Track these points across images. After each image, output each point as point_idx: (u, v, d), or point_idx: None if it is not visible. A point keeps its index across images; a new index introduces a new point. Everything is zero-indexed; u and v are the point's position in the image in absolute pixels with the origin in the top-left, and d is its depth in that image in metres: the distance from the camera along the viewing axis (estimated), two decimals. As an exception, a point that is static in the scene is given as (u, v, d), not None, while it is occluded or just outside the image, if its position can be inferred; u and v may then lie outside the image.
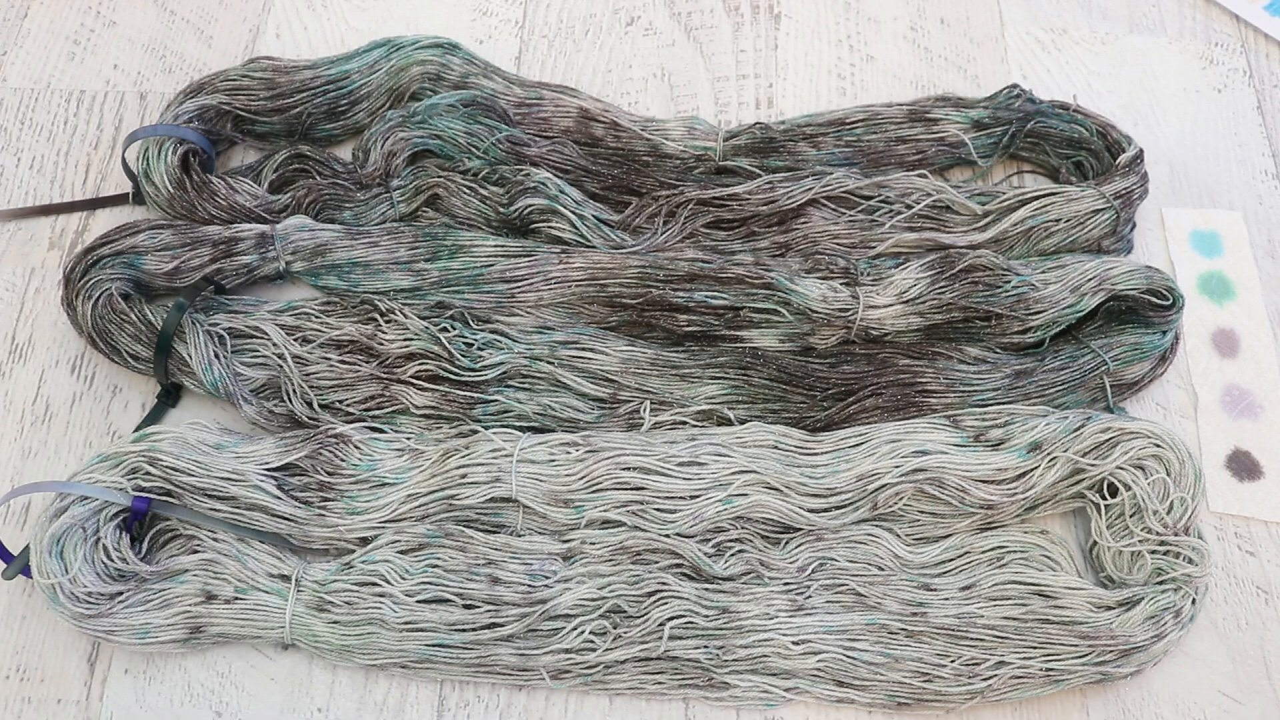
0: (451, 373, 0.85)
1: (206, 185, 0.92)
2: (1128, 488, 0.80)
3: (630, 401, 0.85)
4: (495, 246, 0.91)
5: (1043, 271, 0.88)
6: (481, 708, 0.78)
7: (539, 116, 0.99)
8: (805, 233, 0.93)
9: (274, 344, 0.86)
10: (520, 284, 0.90)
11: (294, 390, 0.85)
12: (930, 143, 0.98)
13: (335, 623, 0.76)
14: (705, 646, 0.76)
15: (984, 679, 0.76)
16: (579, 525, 0.81)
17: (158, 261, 0.88)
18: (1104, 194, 0.91)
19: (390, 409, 0.85)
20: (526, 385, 0.86)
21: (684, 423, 0.85)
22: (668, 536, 0.79)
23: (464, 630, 0.77)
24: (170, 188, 0.91)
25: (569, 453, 0.81)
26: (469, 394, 0.85)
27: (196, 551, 0.78)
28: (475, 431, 0.83)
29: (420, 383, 0.85)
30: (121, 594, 0.76)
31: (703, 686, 0.77)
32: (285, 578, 0.78)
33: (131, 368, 0.87)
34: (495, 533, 0.81)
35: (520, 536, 0.80)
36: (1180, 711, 0.78)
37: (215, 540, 0.79)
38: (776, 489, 0.81)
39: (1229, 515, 0.85)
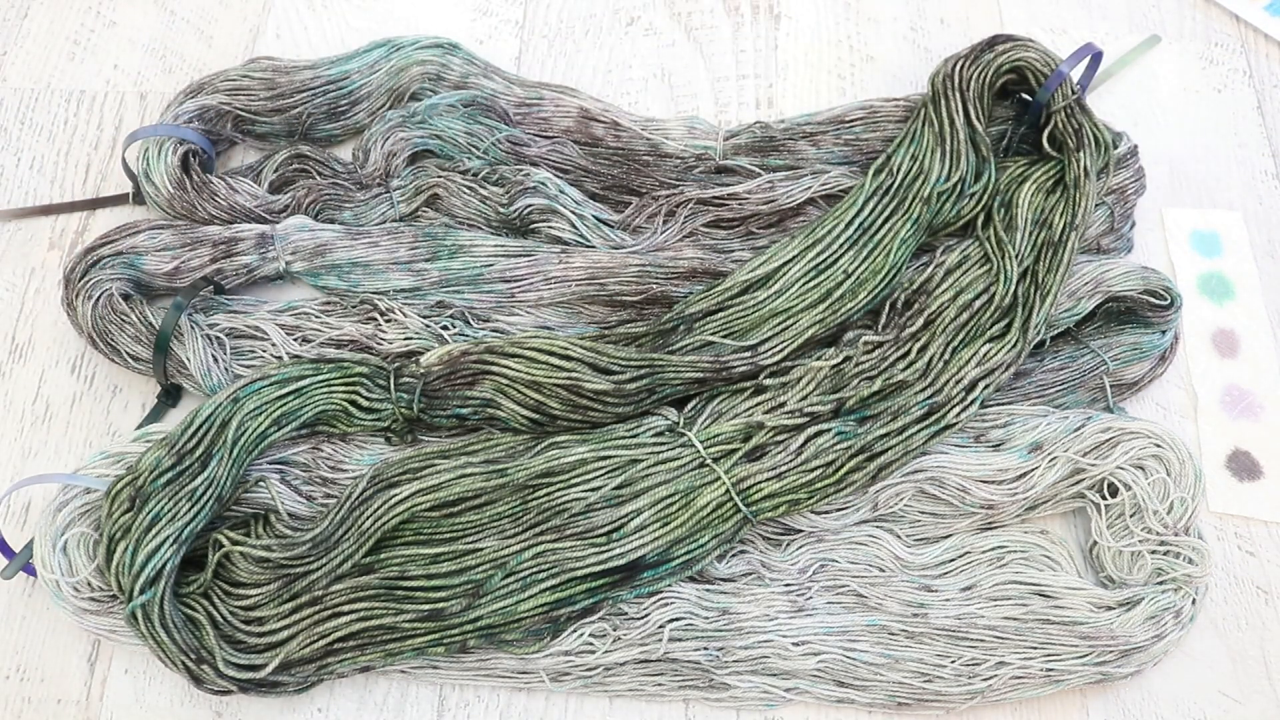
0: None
1: (206, 185, 0.92)
2: (1128, 488, 0.80)
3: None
4: (495, 246, 0.91)
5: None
6: (481, 708, 0.78)
7: (539, 116, 0.99)
8: (805, 233, 0.93)
9: (274, 344, 0.86)
10: (520, 284, 0.90)
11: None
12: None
13: None
14: (705, 648, 0.76)
15: (984, 679, 0.76)
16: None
17: (158, 261, 0.88)
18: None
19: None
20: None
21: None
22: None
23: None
24: (170, 188, 0.91)
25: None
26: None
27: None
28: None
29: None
30: (122, 594, 0.76)
31: (703, 688, 0.77)
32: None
33: (131, 368, 0.87)
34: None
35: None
36: (1180, 711, 0.78)
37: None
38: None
39: (1229, 515, 0.85)
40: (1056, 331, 0.86)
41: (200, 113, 0.95)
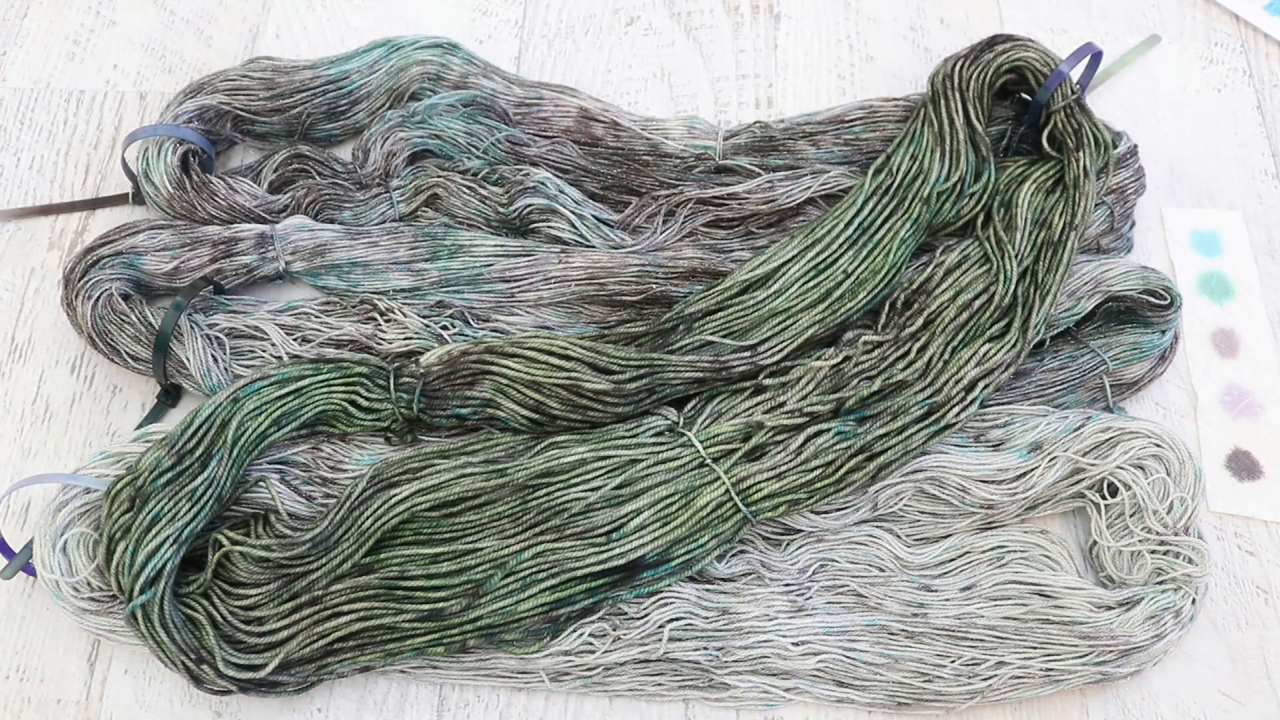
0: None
1: (206, 185, 0.92)
2: (1128, 487, 0.80)
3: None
4: (495, 246, 0.91)
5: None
6: (481, 708, 0.78)
7: (539, 116, 0.99)
8: (805, 232, 0.93)
9: (274, 344, 0.86)
10: (520, 284, 0.90)
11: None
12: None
13: None
14: (705, 648, 0.76)
15: (984, 679, 0.76)
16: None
17: (157, 261, 0.88)
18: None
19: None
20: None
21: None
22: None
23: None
24: (170, 188, 0.91)
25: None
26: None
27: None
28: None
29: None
30: (122, 594, 0.76)
31: (702, 688, 0.77)
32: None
33: (131, 368, 0.87)
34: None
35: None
36: (1180, 711, 0.78)
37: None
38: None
39: (1229, 515, 0.85)
40: (1056, 331, 0.86)
41: (200, 113, 0.95)
